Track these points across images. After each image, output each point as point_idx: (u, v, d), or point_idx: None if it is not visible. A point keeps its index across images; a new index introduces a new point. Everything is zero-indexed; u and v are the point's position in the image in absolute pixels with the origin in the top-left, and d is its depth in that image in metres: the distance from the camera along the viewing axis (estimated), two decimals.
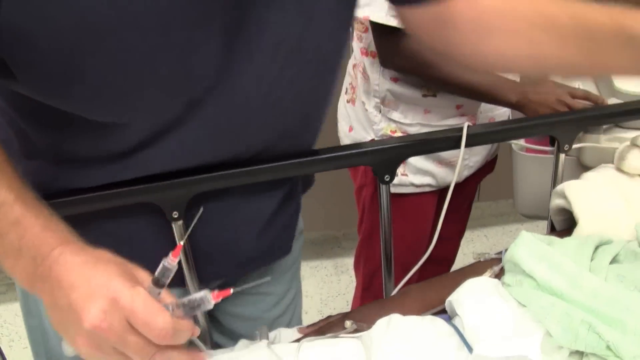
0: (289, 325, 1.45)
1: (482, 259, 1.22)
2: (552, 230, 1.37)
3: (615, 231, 1.17)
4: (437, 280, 1.23)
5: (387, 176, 1.21)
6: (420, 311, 1.14)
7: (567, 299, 0.89)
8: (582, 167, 1.58)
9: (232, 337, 1.33)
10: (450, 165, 1.77)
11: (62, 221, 0.83)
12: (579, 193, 1.21)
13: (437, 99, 1.68)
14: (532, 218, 1.86)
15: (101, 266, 0.77)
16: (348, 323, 1.08)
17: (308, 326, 1.22)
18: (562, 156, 1.32)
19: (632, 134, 1.46)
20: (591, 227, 1.16)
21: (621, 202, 1.21)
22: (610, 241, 1.11)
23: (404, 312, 1.10)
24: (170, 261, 0.80)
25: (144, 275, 0.81)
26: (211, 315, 1.34)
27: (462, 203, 2.02)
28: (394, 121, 1.72)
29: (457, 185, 1.81)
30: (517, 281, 0.98)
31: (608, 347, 0.82)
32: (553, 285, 0.91)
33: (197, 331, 0.80)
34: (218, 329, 1.39)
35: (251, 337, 1.18)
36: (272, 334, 1.20)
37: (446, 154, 1.73)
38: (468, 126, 1.21)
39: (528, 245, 0.99)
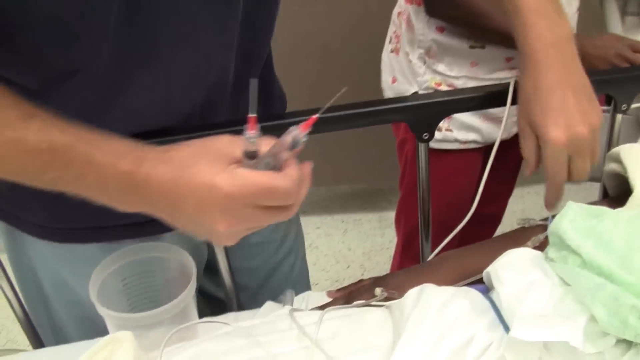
0: (293, 267, 1.44)
1: (526, 225, 1.13)
2: (605, 197, 1.27)
3: None
4: (476, 247, 1.15)
5: (425, 134, 1.12)
6: (456, 280, 1.07)
7: (616, 281, 0.80)
8: None
9: (241, 291, 1.32)
10: (498, 120, 1.66)
11: (121, 137, 0.80)
12: (636, 158, 1.10)
13: (486, 50, 1.57)
14: (591, 181, 1.75)
15: (189, 170, 0.76)
16: (378, 290, 1.01)
17: (337, 290, 1.16)
18: (619, 116, 1.21)
19: None
20: None
21: None
22: None
23: (440, 281, 1.04)
24: (301, 131, 0.76)
25: (225, 145, 0.78)
26: (217, 273, 1.31)
27: (510, 161, 1.91)
28: (439, 73, 1.62)
29: (505, 142, 1.73)
30: (562, 257, 0.89)
31: None
32: (601, 264, 0.82)
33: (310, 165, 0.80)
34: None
35: (277, 300, 1.12)
36: (299, 298, 1.14)
37: (493, 109, 1.62)
38: (516, 81, 1.11)
39: (575, 218, 0.89)
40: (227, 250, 1.18)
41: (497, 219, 2.14)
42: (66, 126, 0.78)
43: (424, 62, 1.62)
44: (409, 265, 1.86)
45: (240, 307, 1.25)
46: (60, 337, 1.22)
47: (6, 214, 1.11)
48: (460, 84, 1.60)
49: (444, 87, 1.62)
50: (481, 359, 0.85)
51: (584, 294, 0.80)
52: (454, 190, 1.77)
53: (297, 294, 1.15)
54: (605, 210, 0.96)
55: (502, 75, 1.61)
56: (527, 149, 1.05)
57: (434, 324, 0.89)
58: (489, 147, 1.73)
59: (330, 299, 1.13)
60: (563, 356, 0.80)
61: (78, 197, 0.80)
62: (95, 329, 1.04)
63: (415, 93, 1.65)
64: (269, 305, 1.11)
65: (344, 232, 3.03)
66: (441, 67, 1.61)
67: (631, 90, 1.19)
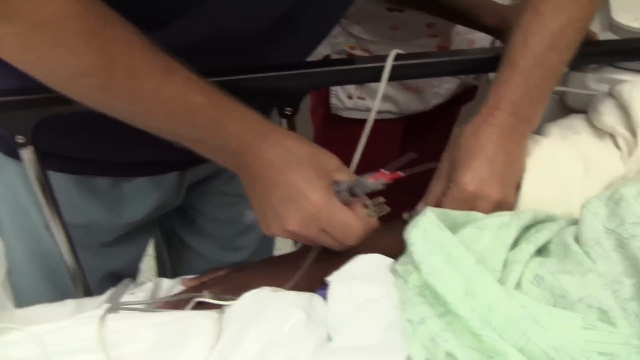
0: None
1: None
2: None
3: (566, 205, 0.95)
4: None
5: (288, 109, 0.98)
6: (318, 277, 0.95)
7: (451, 311, 0.67)
8: (565, 108, 1.34)
9: (211, 241, 1.37)
10: (417, 91, 1.53)
11: (255, 113, 0.85)
12: (530, 152, 0.98)
13: (405, 14, 1.43)
14: None
15: (298, 169, 0.83)
16: (206, 294, 0.89)
17: (193, 279, 1.04)
18: None
19: (626, 77, 1.22)
20: (536, 196, 0.94)
21: (579, 167, 0.98)
22: (549, 219, 0.88)
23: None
24: (381, 179, 0.88)
25: (334, 164, 0.88)
26: (189, 218, 1.35)
27: (433, 133, 1.79)
28: (354, 36, 1.48)
29: (426, 113, 1.60)
30: (406, 271, 0.77)
31: None
32: (438, 289, 0.69)
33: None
34: (195, 231, 1.37)
35: None
36: (149, 285, 1.02)
37: (415, 79, 1.49)
38: (397, 55, 0.98)
39: (428, 228, 0.77)
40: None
41: (421, 191, 2.01)
42: (203, 87, 0.81)
43: (339, 23, 1.48)
44: None
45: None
46: None
47: None
48: (376, 49, 1.47)
49: (358, 52, 1.48)
50: None
51: (407, 327, 0.67)
52: (370, 161, 1.65)
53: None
54: (474, 216, 0.84)
55: (424, 43, 1.48)
56: (435, 186, 0.99)
57: (256, 339, 0.77)
58: (410, 118, 1.61)
59: (183, 287, 1.02)
60: None
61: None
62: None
63: (328, 57, 1.51)
64: (111, 292, 1.00)
65: None
66: (357, 30, 1.47)
67: None
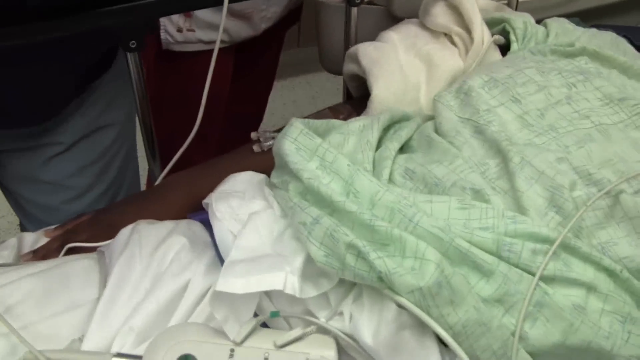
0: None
1: (261, 139, 1.02)
2: (349, 98, 1.19)
3: (415, 103, 1.00)
4: (207, 166, 1.03)
5: (132, 42, 0.96)
6: (186, 207, 0.95)
7: (338, 210, 0.70)
8: (392, 18, 1.38)
9: (35, 224, 1.28)
10: (245, 17, 1.52)
11: None
12: (374, 58, 1.02)
13: None
14: (337, 74, 1.67)
15: None
16: (85, 235, 0.87)
17: (55, 228, 1.00)
18: (355, 10, 1.10)
19: None
20: (386, 99, 0.98)
21: (422, 67, 1.03)
22: (405, 118, 0.92)
23: (167, 210, 0.95)
24: None
25: None
26: (16, 201, 1.30)
27: (263, 56, 1.79)
28: None
29: (256, 38, 1.60)
30: (283, 182, 0.78)
31: (380, 278, 0.64)
32: (322, 191, 0.71)
33: None
34: (21, 212, 1.32)
35: None
36: (12, 241, 0.98)
37: (239, 5, 1.47)
38: None
39: (298, 137, 0.78)
40: None
41: (259, 115, 2.03)
42: None
43: None
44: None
45: None
46: None
47: None
48: None
49: None
50: (198, 309, 0.74)
51: (300, 230, 0.69)
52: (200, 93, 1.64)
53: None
54: (334, 123, 0.86)
55: None
56: None
57: (144, 271, 0.76)
58: (239, 45, 1.60)
59: (47, 239, 0.98)
60: (286, 300, 0.70)
61: None
62: None
63: None
64: None
65: None
66: None
67: None
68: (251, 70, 1.74)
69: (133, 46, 0.96)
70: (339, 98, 2.95)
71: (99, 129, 1.25)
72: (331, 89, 3.07)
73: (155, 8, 0.98)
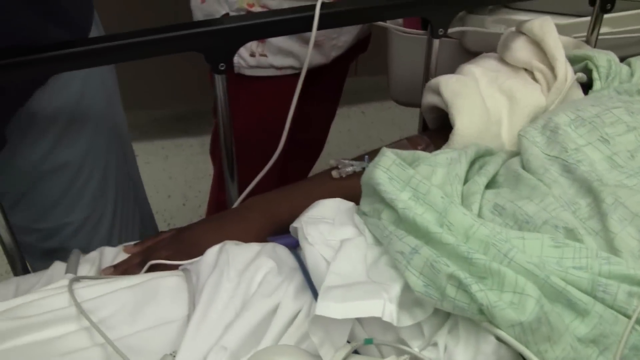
0: (89, 242, 1.26)
1: (339, 167, 1.03)
2: (425, 130, 1.19)
3: (496, 138, 1.00)
4: (286, 191, 1.05)
5: (222, 64, 0.98)
6: (265, 230, 0.96)
7: (433, 241, 0.70)
8: (465, 52, 1.39)
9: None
10: (316, 45, 1.54)
11: None
12: (456, 91, 1.02)
13: None
14: (406, 105, 1.68)
15: None
16: (166, 253, 0.90)
17: (135, 244, 1.03)
18: (437, 42, 1.11)
19: (521, 17, 1.28)
20: (469, 133, 0.99)
21: (504, 102, 1.03)
22: (489, 152, 0.93)
23: (246, 232, 0.96)
24: None
25: None
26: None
27: (330, 84, 1.81)
28: None
29: (324, 66, 1.62)
30: (375, 210, 0.79)
31: (481, 311, 0.65)
32: (417, 221, 0.72)
33: None
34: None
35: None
36: (92, 255, 1.00)
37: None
38: (323, 3, 1.00)
39: (390, 167, 0.79)
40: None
41: (321, 141, 2.05)
42: None
43: None
44: (226, 199, 1.74)
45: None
46: None
47: None
48: (275, 4, 1.46)
49: (257, 9, 1.47)
50: (288, 331, 0.75)
51: (398, 259, 0.70)
52: (272, 116, 1.65)
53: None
54: (421, 154, 0.87)
55: None
56: None
57: (234, 291, 0.78)
58: (309, 72, 1.62)
59: (127, 255, 1.00)
60: (378, 328, 0.71)
61: None
62: None
63: (226, 15, 1.50)
64: (58, 266, 0.96)
65: (164, 158, 2.86)
66: None
67: (447, 14, 1.10)
68: (316, 98, 1.76)
69: (222, 69, 0.98)
70: (393, 128, 2.99)
71: (46, 174, 1.15)
72: (385, 118, 3.09)
73: (246, 31, 1.00)
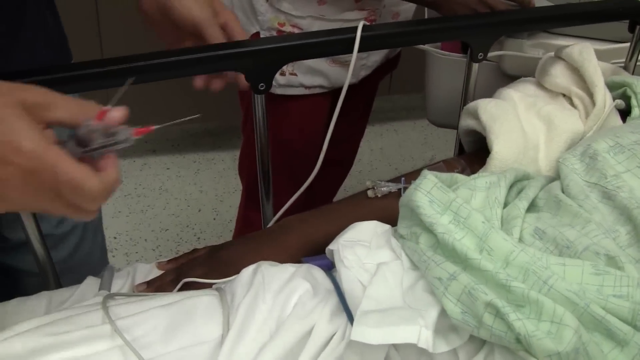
0: (81, 240, 1.28)
1: (376, 188, 1.03)
2: (461, 152, 1.19)
3: (533, 163, 1.00)
4: (321, 212, 1.04)
5: (262, 84, 0.99)
6: (300, 251, 0.96)
7: (472, 267, 0.70)
8: (503, 75, 1.39)
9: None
10: (345, 65, 1.55)
11: None
12: (495, 115, 1.02)
13: None
14: (442, 127, 1.68)
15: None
16: (200, 271, 0.90)
17: (168, 261, 1.03)
18: (475, 66, 1.11)
19: (560, 42, 1.27)
20: (507, 157, 0.98)
21: (542, 127, 1.03)
22: (527, 177, 0.92)
23: (281, 253, 0.96)
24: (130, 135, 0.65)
25: (41, 99, 0.62)
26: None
27: (359, 103, 1.82)
28: (283, 12, 1.47)
29: (353, 85, 1.62)
30: (413, 234, 0.79)
31: (518, 340, 0.64)
32: (457, 247, 0.72)
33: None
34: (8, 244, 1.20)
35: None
36: (125, 272, 1.00)
37: None
38: (364, 26, 1.00)
39: (432, 190, 0.79)
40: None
41: (350, 161, 2.05)
42: None
43: (267, 0, 1.48)
44: (254, 216, 1.75)
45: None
46: None
47: None
48: (306, 24, 1.47)
49: (287, 28, 1.48)
50: (322, 354, 0.74)
51: (436, 285, 0.70)
52: (301, 135, 1.66)
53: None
54: (459, 177, 0.87)
55: (352, 17, 1.49)
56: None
57: (269, 313, 0.78)
58: (336, 91, 1.62)
59: (160, 272, 1.00)
60: (414, 353, 0.71)
61: None
62: None
63: (257, 34, 1.50)
64: (90, 281, 0.97)
65: (195, 172, 2.87)
66: (285, 6, 1.46)
67: (486, 38, 1.10)
68: (345, 116, 1.76)
69: (262, 88, 0.99)
70: (425, 147, 2.98)
71: None
72: (417, 138, 3.09)
73: (288, 52, 1.02)
